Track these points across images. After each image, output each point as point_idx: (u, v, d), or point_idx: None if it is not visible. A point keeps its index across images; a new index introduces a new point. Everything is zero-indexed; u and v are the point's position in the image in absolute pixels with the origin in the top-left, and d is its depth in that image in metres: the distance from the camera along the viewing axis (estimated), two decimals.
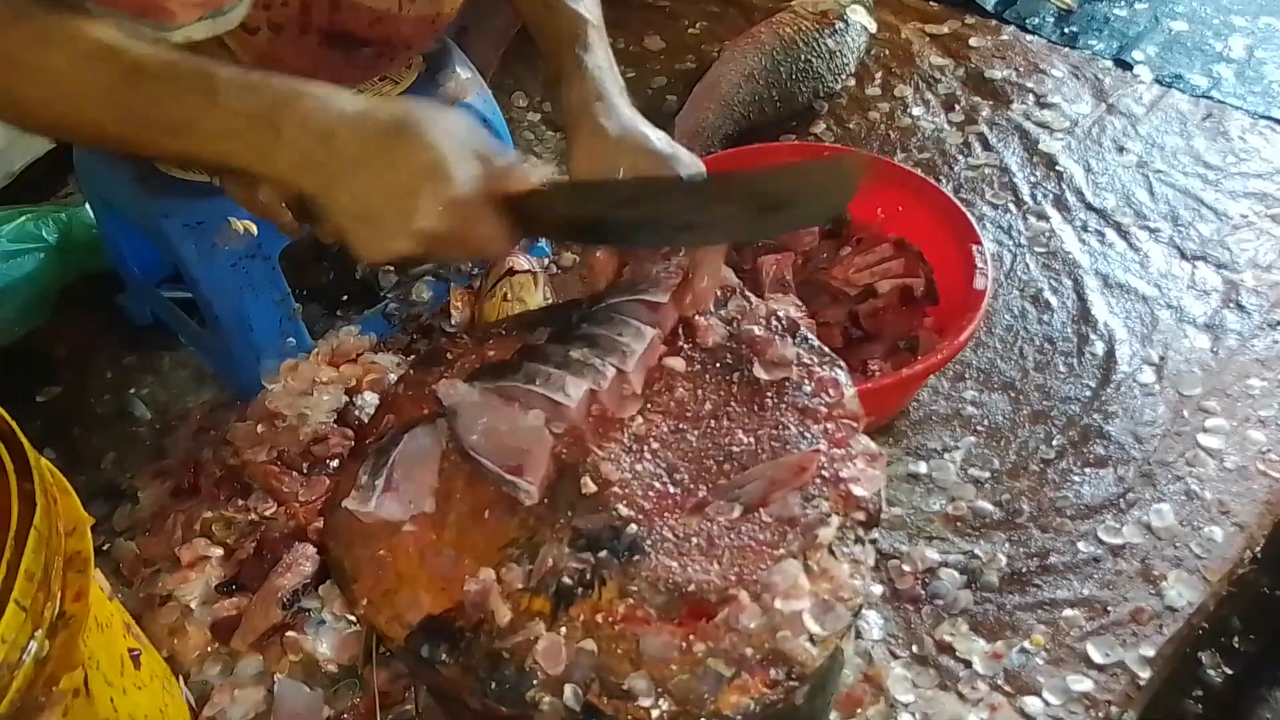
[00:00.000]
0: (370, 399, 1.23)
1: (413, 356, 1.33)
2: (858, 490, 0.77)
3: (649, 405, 0.83)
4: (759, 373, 0.84)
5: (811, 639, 0.70)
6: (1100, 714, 0.99)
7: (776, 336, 0.86)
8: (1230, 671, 1.08)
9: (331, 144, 0.74)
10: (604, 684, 0.68)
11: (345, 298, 1.42)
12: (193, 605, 1.06)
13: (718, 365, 0.85)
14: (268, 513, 1.13)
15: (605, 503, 0.76)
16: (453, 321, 1.35)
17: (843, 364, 0.85)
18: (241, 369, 1.24)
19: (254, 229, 1.13)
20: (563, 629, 0.71)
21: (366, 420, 1.21)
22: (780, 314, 0.88)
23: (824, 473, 0.78)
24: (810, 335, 0.87)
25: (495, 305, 1.28)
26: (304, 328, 1.25)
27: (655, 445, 0.80)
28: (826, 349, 0.86)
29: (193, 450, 1.24)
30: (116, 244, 1.36)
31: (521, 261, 1.29)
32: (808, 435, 0.80)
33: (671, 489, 0.77)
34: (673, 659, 0.69)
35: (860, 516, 0.76)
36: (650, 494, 0.77)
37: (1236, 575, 1.11)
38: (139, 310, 1.42)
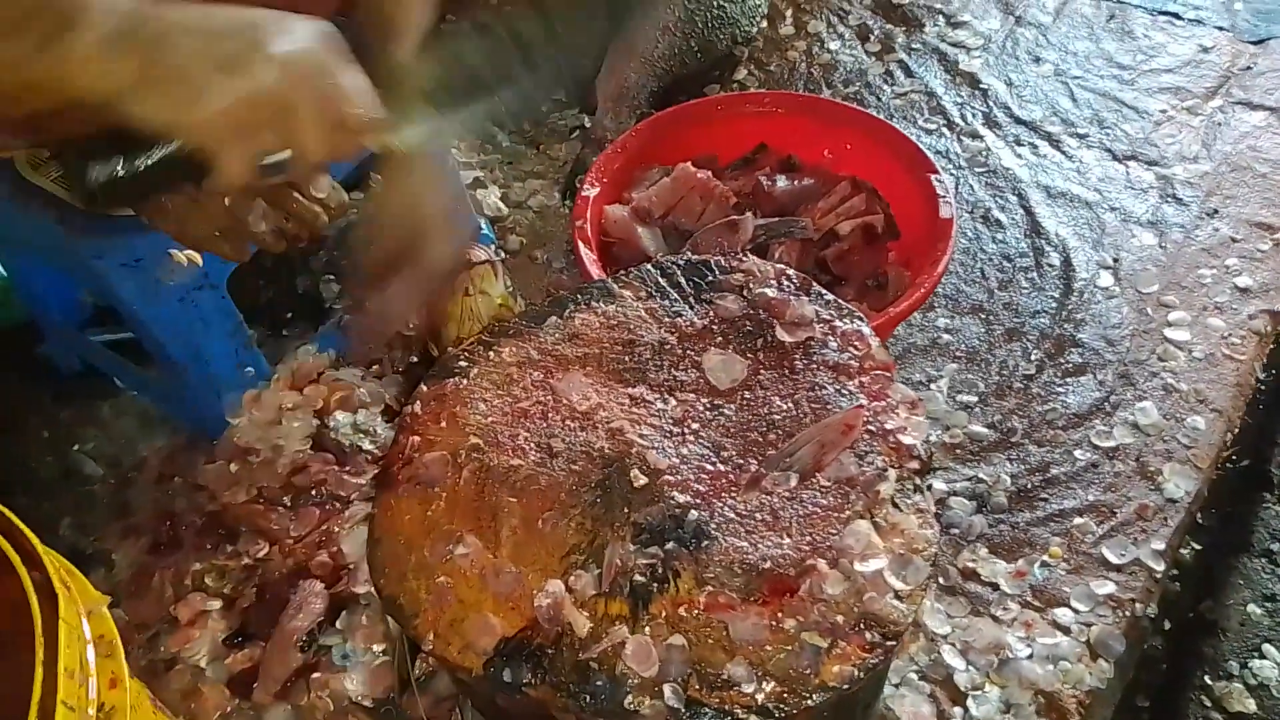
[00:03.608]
0: (343, 419, 1.18)
1: (374, 366, 1.28)
2: (906, 439, 0.76)
3: (680, 386, 0.80)
4: (782, 335, 0.82)
5: (897, 595, 0.69)
6: (1126, 612, 1.02)
7: (791, 296, 0.85)
8: (1198, 547, 1.12)
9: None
10: (702, 677, 0.67)
11: (290, 315, 1.34)
12: (203, 664, 1.00)
13: (740, 335, 0.83)
14: (261, 554, 1.07)
15: (660, 492, 0.74)
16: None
17: (861, 314, 0.84)
18: (201, 407, 1.16)
19: (199, 258, 1.05)
20: (647, 628, 0.68)
21: (344, 443, 1.17)
22: (790, 273, 0.86)
23: (870, 427, 0.77)
24: (823, 290, 0.86)
25: (457, 301, 1.22)
26: (260, 355, 1.18)
27: (695, 426, 0.78)
28: (842, 301, 0.85)
29: (160, 501, 1.16)
30: (31, 291, 1.25)
31: (478, 253, 1.23)
32: (845, 392, 0.79)
33: (722, 467, 0.76)
34: (766, 639, 0.68)
35: (914, 465, 0.76)
36: (703, 476, 0.75)
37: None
38: (66, 359, 1.32)
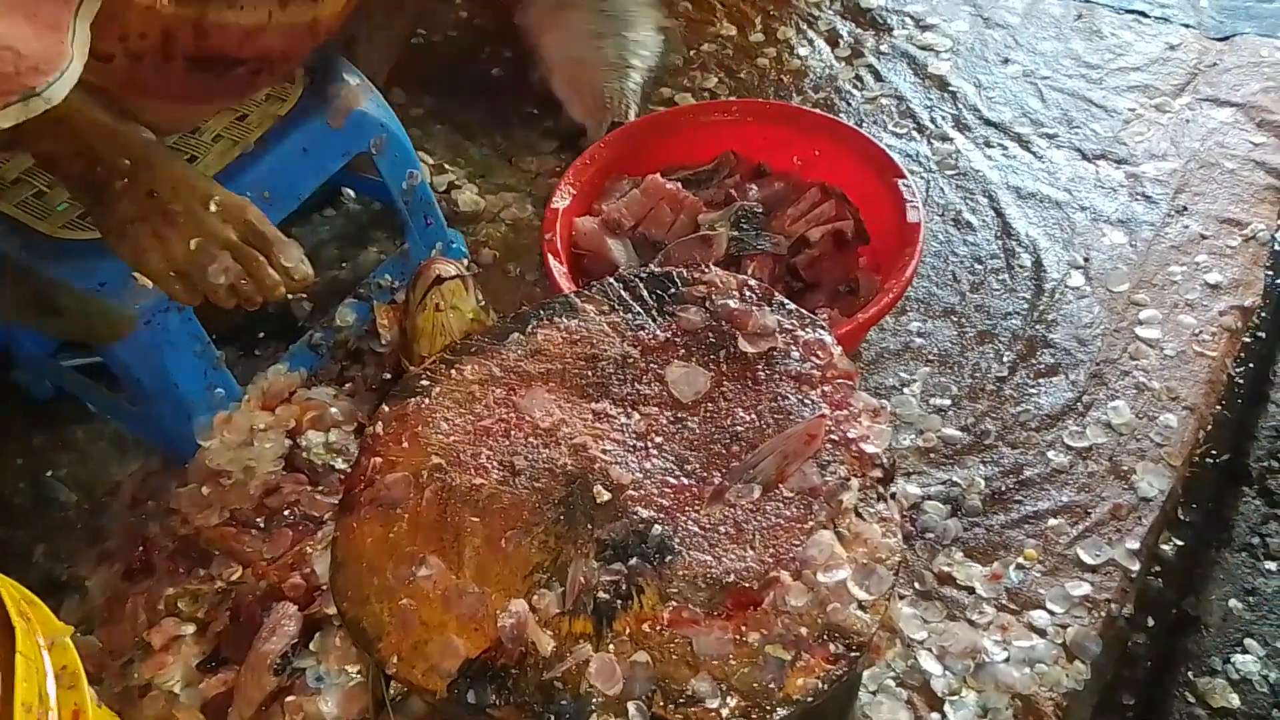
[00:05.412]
0: (315, 438, 1.17)
1: (348, 385, 1.27)
2: (869, 448, 0.76)
3: (643, 399, 0.80)
4: (745, 346, 0.82)
5: (861, 605, 0.69)
6: (1102, 613, 1.02)
7: (753, 307, 0.85)
8: (1180, 542, 1.12)
9: None
10: (666, 693, 0.66)
11: (261, 335, 1.34)
12: (177, 690, 0.99)
13: (703, 347, 0.83)
14: (234, 578, 1.06)
15: (623, 508, 0.74)
16: (383, 341, 1.29)
17: (824, 323, 0.84)
18: (171, 431, 1.15)
19: None
20: (611, 646, 0.68)
21: (317, 462, 1.16)
22: (751, 284, 0.86)
23: (833, 436, 0.77)
24: (785, 299, 0.86)
25: (428, 316, 1.22)
26: (230, 375, 1.18)
27: (659, 439, 0.78)
28: (805, 311, 0.85)
29: (134, 526, 1.15)
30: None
31: (449, 268, 1.23)
32: (808, 401, 0.79)
33: (686, 481, 0.75)
34: (729, 654, 0.67)
35: (877, 474, 0.76)
36: (666, 490, 0.75)
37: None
38: (37, 385, 1.31)
